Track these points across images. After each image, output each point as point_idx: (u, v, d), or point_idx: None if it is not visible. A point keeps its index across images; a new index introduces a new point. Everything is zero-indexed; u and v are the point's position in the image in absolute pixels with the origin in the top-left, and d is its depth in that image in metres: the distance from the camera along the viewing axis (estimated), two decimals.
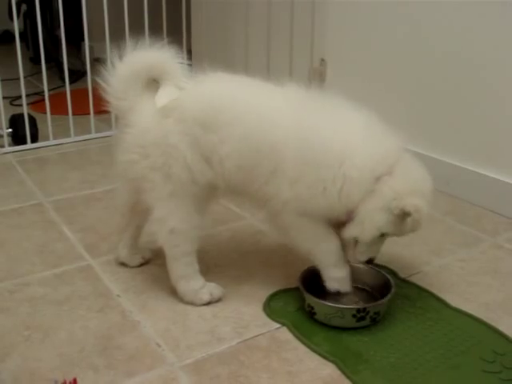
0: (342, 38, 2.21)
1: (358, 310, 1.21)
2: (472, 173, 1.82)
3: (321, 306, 1.22)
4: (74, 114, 2.38)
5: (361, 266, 1.33)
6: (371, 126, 1.21)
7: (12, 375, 1.09)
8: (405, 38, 1.96)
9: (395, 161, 1.20)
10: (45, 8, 3.18)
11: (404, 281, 1.40)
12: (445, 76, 1.86)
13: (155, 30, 2.29)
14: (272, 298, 1.32)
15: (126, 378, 1.09)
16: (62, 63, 2.65)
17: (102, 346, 1.17)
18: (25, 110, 2.31)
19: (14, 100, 2.74)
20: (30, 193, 1.91)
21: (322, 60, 2.27)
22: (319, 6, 2.22)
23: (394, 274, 1.41)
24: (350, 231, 1.21)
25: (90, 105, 2.37)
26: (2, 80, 2.27)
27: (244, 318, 1.26)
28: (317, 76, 2.28)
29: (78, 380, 1.04)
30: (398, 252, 1.52)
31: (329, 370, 1.11)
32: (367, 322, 1.22)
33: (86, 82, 2.38)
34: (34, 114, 2.45)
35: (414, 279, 1.41)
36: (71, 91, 2.40)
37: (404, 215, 1.18)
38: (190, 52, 2.80)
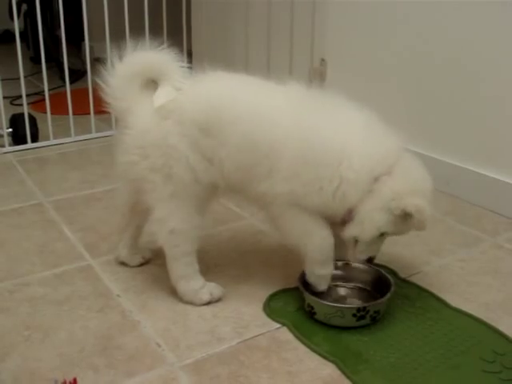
0: (342, 38, 2.21)
1: (358, 309, 1.21)
2: (472, 173, 1.82)
3: (321, 306, 1.22)
4: (74, 114, 2.38)
5: (360, 265, 1.33)
6: (371, 125, 1.21)
7: (12, 375, 1.09)
8: (405, 37, 1.96)
9: (395, 161, 1.20)
10: (45, 8, 3.18)
11: (404, 281, 1.40)
12: (445, 76, 1.86)
13: (155, 30, 2.29)
14: (272, 297, 1.32)
15: (126, 378, 1.09)
16: (62, 63, 2.65)
17: (102, 345, 1.17)
18: (25, 109, 2.31)
19: (14, 100, 2.74)
20: (30, 193, 1.91)
21: (322, 60, 2.27)
22: (319, 5, 2.22)
23: (394, 273, 1.41)
24: (350, 231, 1.21)
25: (91, 104, 2.37)
26: (3, 80, 2.27)
27: (244, 317, 1.26)
28: (317, 76, 2.28)
29: (78, 380, 1.04)
30: (398, 252, 1.52)
31: (329, 369, 1.11)
32: (367, 321, 1.22)
33: (86, 81, 2.38)
34: (34, 113, 2.45)
35: (414, 279, 1.41)
36: (71, 91, 2.40)
37: (405, 216, 1.18)
38: (190, 52, 2.80)
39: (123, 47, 1.23)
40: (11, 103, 2.72)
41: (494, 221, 1.72)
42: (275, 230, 1.29)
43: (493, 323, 1.24)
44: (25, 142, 2.31)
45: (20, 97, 2.35)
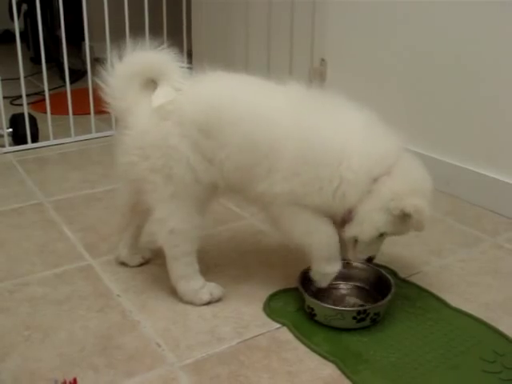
0: (342, 38, 2.21)
1: (359, 312, 1.20)
2: (472, 173, 1.82)
3: (321, 308, 1.22)
4: (74, 114, 2.38)
5: (360, 264, 1.33)
6: (371, 125, 1.21)
7: (12, 375, 1.09)
8: (405, 37, 1.96)
9: (394, 161, 1.20)
10: (45, 8, 3.19)
11: (404, 281, 1.40)
12: (445, 76, 1.86)
13: (155, 30, 2.29)
14: (272, 297, 1.32)
15: (126, 378, 1.09)
16: (62, 63, 2.65)
17: (102, 345, 1.17)
18: (25, 109, 2.31)
19: (14, 100, 2.74)
20: (31, 193, 1.91)
21: (323, 60, 2.27)
22: (319, 5, 2.22)
23: (394, 273, 1.41)
24: (349, 231, 1.21)
25: (91, 104, 2.37)
26: (3, 80, 2.27)
27: (244, 317, 1.26)
28: (317, 76, 2.28)
29: (78, 380, 1.04)
30: (398, 252, 1.52)
31: (329, 370, 1.11)
32: (367, 322, 1.22)
33: (86, 81, 2.38)
34: (34, 113, 2.45)
35: (414, 279, 1.41)
36: (72, 91, 2.40)
37: (404, 216, 1.18)
38: (190, 52, 2.80)
39: (123, 47, 1.23)
40: (11, 103, 2.72)
41: (494, 221, 1.72)
42: (277, 230, 1.28)
43: (493, 323, 1.24)
44: (25, 142, 2.31)
45: (20, 97, 2.35)
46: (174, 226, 1.24)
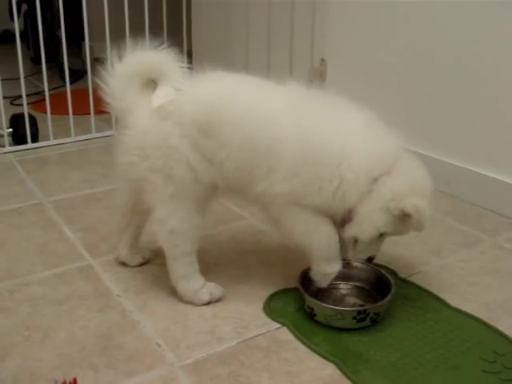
0: (342, 37, 2.21)
1: (359, 312, 1.20)
2: (472, 173, 1.82)
3: (321, 308, 1.22)
4: (74, 114, 2.38)
5: (360, 264, 1.33)
6: (371, 125, 1.21)
7: (12, 375, 1.09)
8: (405, 37, 1.96)
9: (394, 161, 1.20)
10: (45, 8, 3.19)
11: (404, 281, 1.40)
12: (445, 76, 1.86)
13: (155, 30, 2.29)
14: (272, 297, 1.32)
15: (126, 378, 1.09)
16: (62, 63, 2.65)
17: (102, 345, 1.17)
18: (25, 109, 2.31)
19: (14, 100, 2.74)
20: (31, 192, 1.91)
21: (323, 60, 2.27)
22: (319, 5, 2.22)
23: (394, 274, 1.41)
24: (350, 231, 1.21)
25: (91, 104, 2.37)
26: (3, 80, 2.27)
27: (244, 317, 1.26)
28: (317, 76, 2.28)
29: (78, 380, 1.04)
30: (398, 252, 1.52)
31: (329, 370, 1.11)
32: (367, 322, 1.22)
33: (86, 81, 2.38)
34: (34, 113, 2.45)
35: (414, 279, 1.41)
36: (72, 91, 2.40)
37: (404, 216, 1.18)
38: (190, 52, 2.80)
39: (123, 47, 1.23)
40: (11, 103, 2.72)
41: (494, 221, 1.72)
42: (277, 230, 1.28)
43: (493, 323, 1.24)
44: (25, 142, 2.31)
45: (20, 97, 2.35)
46: (174, 226, 1.24)
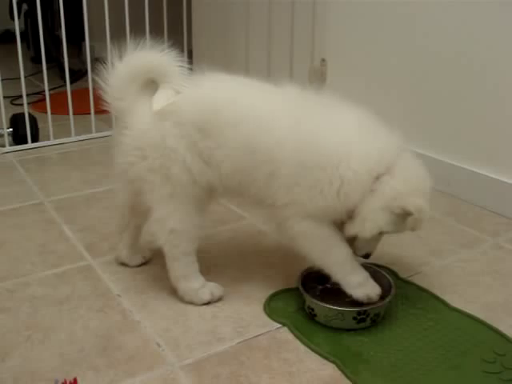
0: (342, 37, 2.21)
1: (359, 313, 1.20)
2: (472, 173, 1.82)
3: (321, 308, 1.22)
4: (74, 114, 2.38)
5: (362, 265, 1.33)
6: (370, 126, 1.21)
7: (12, 375, 1.09)
8: (405, 37, 1.96)
9: (394, 160, 1.20)
10: (46, 7, 3.18)
11: (404, 281, 1.40)
12: (445, 76, 1.86)
13: (156, 30, 2.30)
14: (272, 298, 1.32)
15: (126, 378, 1.09)
16: (62, 63, 2.65)
17: (102, 345, 1.17)
18: (25, 109, 2.31)
19: (14, 99, 2.74)
20: (31, 192, 1.91)
21: (323, 60, 2.27)
22: (319, 6, 2.22)
23: (394, 274, 1.41)
24: (351, 229, 1.21)
25: (91, 104, 2.37)
26: (3, 79, 2.27)
27: (244, 317, 1.26)
28: (317, 76, 2.28)
29: (79, 380, 1.04)
30: (398, 253, 1.52)
31: (329, 370, 1.11)
32: (367, 323, 1.22)
33: (86, 81, 2.39)
34: (34, 113, 2.45)
35: (415, 280, 1.41)
36: (72, 91, 2.41)
37: (405, 214, 1.18)
38: (190, 52, 2.80)
39: (123, 47, 1.23)
40: (12, 103, 2.72)
41: (495, 221, 1.72)
42: (288, 242, 1.27)
43: (493, 323, 1.24)
44: (25, 142, 2.31)
45: (20, 96, 2.35)
46: (173, 226, 1.24)
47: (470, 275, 1.44)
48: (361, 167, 1.17)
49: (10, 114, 2.35)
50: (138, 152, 1.23)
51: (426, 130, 1.94)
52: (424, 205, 1.17)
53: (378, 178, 1.18)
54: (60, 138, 2.38)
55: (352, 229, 1.21)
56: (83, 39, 2.42)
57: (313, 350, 1.16)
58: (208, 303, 1.29)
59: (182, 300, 1.30)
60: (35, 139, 2.34)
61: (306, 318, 1.25)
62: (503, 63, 1.70)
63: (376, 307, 1.22)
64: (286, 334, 1.21)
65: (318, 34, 2.26)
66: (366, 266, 1.30)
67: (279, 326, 1.24)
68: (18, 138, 2.32)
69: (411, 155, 1.24)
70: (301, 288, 1.26)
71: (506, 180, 1.74)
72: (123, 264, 1.45)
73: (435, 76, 1.88)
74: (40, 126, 2.37)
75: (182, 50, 1.25)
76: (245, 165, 1.20)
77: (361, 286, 1.24)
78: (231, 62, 2.63)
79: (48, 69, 2.37)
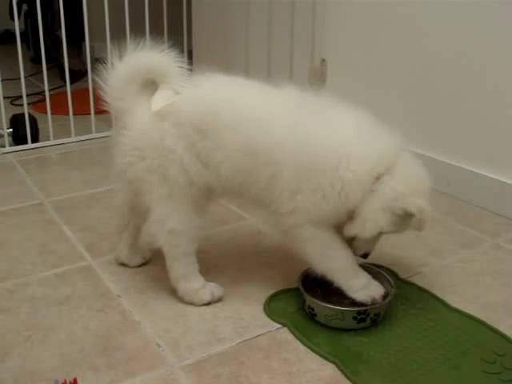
0: (342, 38, 2.21)
1: (359, 312, 1.20)
2: (472, 173, 1.82)
3: (321, 308, 1.22)
4: (74, 114, 2.38)
5: (361, 265, 1.33)
6: (369, 126, 1.21)
7: (12, 375, 1.09)
8: (405, 38, 1.96)
9: (394, 160, 1.20)
10: (45, 8, 3.19)
11: (404, 282, 1.40)
12: (445, 76, 1.86)
13: (156, 30, 2.30)
14: (272, 298, 1.32)
15: (126, 378, 1.09)
16: (62, 63, 2.65)
17: (102, 345, 1.17)
18: (25, 109, 2.31)
19: (14, 100, 2.74)
20: (31, 193, 1.91)
21: (323, 60, 2.27)
22: (319, 6, 2.22)
23: (394, 274, 1.41)
24: (351, 229, 1.21)
25: (91, 105, 2.37)
26: (3, 80, 2.27)
27: (244, 318, 1.26)
28: (317, 76, 2.28)
29: (79, 380, 1.04)
30: (398, 253, 1.52)
31: (329, 370, 1.11)
32: (367, 323, 1.22)
33: (86, 81, 2.39)
34: (34, 113, 2.45)
35: (415, 280, 1.41)
36: (72, 91, 2.41)
37: (406, 215, 1.18)
38: (190, 53, 2.80)
39: (123, 47, 1.23)
40: (11, 103, 2.72)
41: (495, 221, 1.72)
42: (296, 250, 1.27)
43: (493, 324, 1.24)
44: (25, 142, 2.31)
45: (20, 97, 2.35)
46: (172, 227, 1.24)
47: (469, 275, 1.44)
48: (360, 168, 1.17)
49: (10, 115, 2.35)
50: (137, 152, 1.23)
51: (425, 130, 1.94)
52: (425, 205, 1.17)
53: (378, 178, 1.18)
54: (60, 139, 2.38)
55: (352, 229, 1.21)
56: (83, 39, 2.43)
57: (313, 350, 1.16)
58: (208, 304, 1.29)
59: (181, 300, 1.30)
60: (35, 139, 2.34)
61: (306, 319, 1.25)
62: (503, 63, 1.70)
63: (376, 307, 1.22)
64: (285, 334, 1.21)
65: (318, 34, 2.26)
66: (365, 267, 1.30)
67: (279, 326, 1.24)
68: (18, 138, 2.32)
69: (410, 155, 1.24)
70: (301, 288, 1.26)
71: (505, 180, 1.74)
72: (123, 264, 1.45)
73: (435, 76, 1.89)
74: (40, 126, 2.37)
75: (182, 51, 1.25)
76: (245, 166, 1.20)
77: (364, 288, 1.24)
78: (231, 62, 2.63)
79: (48, 69, 2.37)
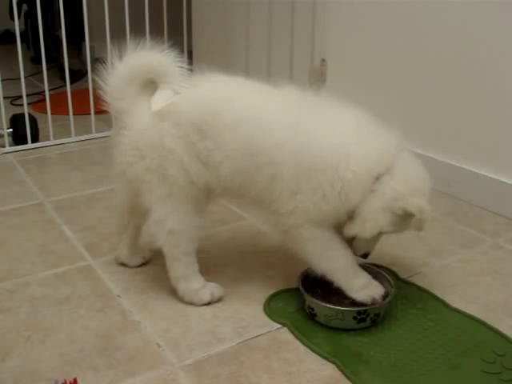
0: (342, 38, 2.21)
1: (359, 312, 1.20)
2: (472, 173, 1.82)
3: (321, 308, 1.22)
4: (74, 114, 2.38)
5: (362, 265, 1.33)
6: (368, 126, 1.21)
7: (12, 375, 1.09)
8: (405, 38, 1.96)
9: (394, 160, 1.20)
10: (45, 8, 3.19)
11: (404, 282, 1.40)
12: (445, 76, 1.86)
13: (156, 30, 2.30)
14: (272, 298, 1.32)
15: (126, 378, 1.09)
16: (62, 63, 2.65)
17: (102, 345, 1.17)
18: (25, 109, 2.31)
19: (14, 100, 2.75)
20: (31, 193, 1.91)
21: (323, 60, 2.27)
22: (319, 6, 2.22)
23: (394, 274, 1.41)
24: (351, 229, 1.21)
25: (91, 105, 2.37)
26: (3, 80, 2.27)
27: (244, 318, 1.26)
28: (317, 76, 2.28)
29: (79, 380, 1.04)
30: (398, 253, 1.52)
31: (329, 370, 1.11)
32: (367, 323, 1.22)
33: (86, 81, 2.39)
34: (34, 113, 2.45)
35: (415, 280, 1.41)
36: (72, 91, 2.41)
37: (406, 215, 1.18)
38: (190, 53, 2.80)
39: (123, 47, 1.23)
40: (11, 103, 2.72)
41: (495, 221, 1.72)
42: (296, 251, 1.27)
43: (493, 324, 1.24)
44: (25, 142, 2.31)
45: (20, 97, 2.35)
46: (172, 227, 1.24)
47: (469, 275, 1.44)
48: (360, 168, 1.17)
49: (10, 115, 2.35)
50: (137, 152, 1.23)
51: (425, 130, 1.94)
52: (425, 205, 1.17)
53: (377, 178, 1.18)
54: (60, 139, 2.38)
55: (352, 229, 1.21)
56: (83, 39, 2.43)
57: (313, 350, 1.16)
58: (208, 304, 1.29)
59: (181, 300, 1.30)
60: (35, 139, 2.34)
61: (306, 319, 1.25)
62: (503, 63, 1.70)
63: (376, 307, 1.22)
64: (285, 334, 1.21)
65: (318, 34, 2.26)
66: (365, 267, 1.30)
67: (279, 326, 1.24)
68: (18, 138, 2.32)
69: (410, 155, 1.24)
70: (301, 288, 1.26)
71: (505, 180, 1.74)
72: (123, 264, 1.45)
73: (435, 76, 1.88)
74: (40, 126, 2.37)
75: (182, 51, 1.25)
76: (245, 166, 1.20)
77: (364, 288, 1.24)
78: (231, 62, 2.63)
79: (48, 69, 2.37)
